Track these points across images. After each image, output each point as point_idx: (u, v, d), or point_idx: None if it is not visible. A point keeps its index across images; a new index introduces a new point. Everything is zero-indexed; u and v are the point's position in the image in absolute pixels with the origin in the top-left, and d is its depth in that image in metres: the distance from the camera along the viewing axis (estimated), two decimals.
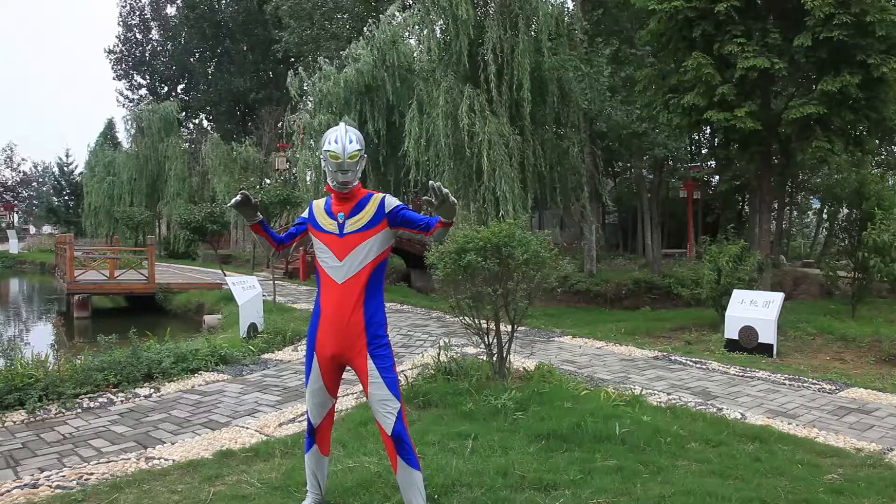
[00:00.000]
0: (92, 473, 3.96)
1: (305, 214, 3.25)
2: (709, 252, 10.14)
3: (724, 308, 8.97)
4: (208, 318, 11.79)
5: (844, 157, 11.67)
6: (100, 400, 5.73)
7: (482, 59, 13.91)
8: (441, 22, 14.73)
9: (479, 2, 14.73)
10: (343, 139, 3.02)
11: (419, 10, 14.98)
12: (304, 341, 8.82)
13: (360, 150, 3.07)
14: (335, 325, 3.05)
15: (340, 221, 3.06)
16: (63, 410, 5.40)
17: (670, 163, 18.62)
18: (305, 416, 3.28)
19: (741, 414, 5.41)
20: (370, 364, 3.04)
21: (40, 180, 60.02)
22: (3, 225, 49.99)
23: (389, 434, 3.00)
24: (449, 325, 9.91)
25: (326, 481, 3.41)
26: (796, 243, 24.69)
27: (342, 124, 3.15)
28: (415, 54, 14.80)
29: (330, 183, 3.09)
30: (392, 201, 3.11)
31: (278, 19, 27.27)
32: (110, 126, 40.93)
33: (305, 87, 16.23)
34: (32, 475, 3.97)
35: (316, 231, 3.13)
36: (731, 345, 8.48)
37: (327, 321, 3.07)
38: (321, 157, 3.08)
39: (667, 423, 4.77)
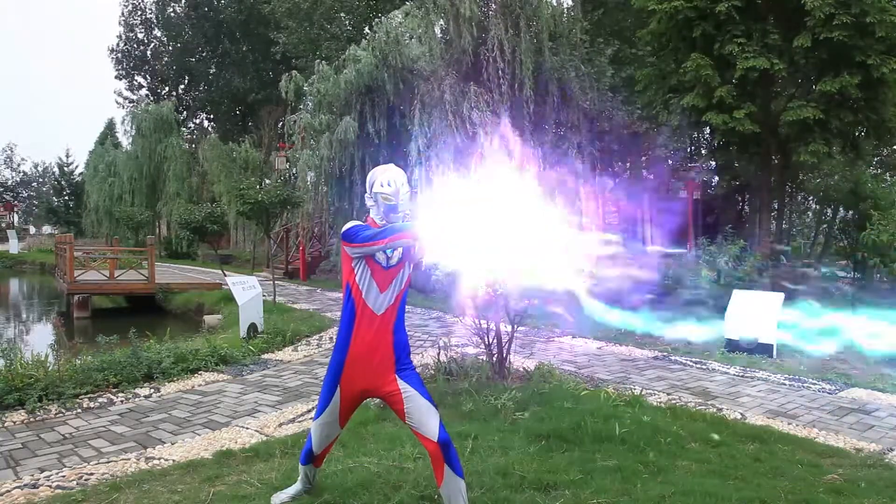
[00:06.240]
0: (92, 473, 3.96)
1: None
2: (707, 253, 10.14)
3: (724, 308, 8.96)
4: (208, 318, 11.77)
5: (839, 159, 11.67)
6: (100, 400, 5.74)
7: (484, 58, 13.91)
8: (441, 22, 14.71)
9: (482, 1, 14.72)
10: (396, 183, 3.05)
11: (420, 12, 14.95)
12: (304, 341, 8.85)
13: (409, 190, 3.13)
14: (370, 357, 3.03)
15: (389, 255, 3.05)
16: (63, 410, 5.40)
17: (670, 163, 18.57)
18: (306, 420, 3.25)
19: (741, 414, 5.41)
20: (400, 383, 3.02)
21: (40, 180, 59.98)
22: (3, 225, 49.84)
23: (436, 440, 2.94)
24: (449, 325, 9.90)
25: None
26: (796, 243, 24.65)
27: (391, 165, 3.17)
28: (415, 54, 14.76)
29: (377, 220, 3.08)
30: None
31: (276, 21, 27.18)
32: (110, 126, 40.84)
33: (305, 88, 16.17)
34: (32, 475, 3.98)
35: (370, 259, 3.03)
36: (731, 345, 8.47)
37: (361, 355, 3.03)
38: (370, 196, 3.08)
39: (667, 423, 4.77)
